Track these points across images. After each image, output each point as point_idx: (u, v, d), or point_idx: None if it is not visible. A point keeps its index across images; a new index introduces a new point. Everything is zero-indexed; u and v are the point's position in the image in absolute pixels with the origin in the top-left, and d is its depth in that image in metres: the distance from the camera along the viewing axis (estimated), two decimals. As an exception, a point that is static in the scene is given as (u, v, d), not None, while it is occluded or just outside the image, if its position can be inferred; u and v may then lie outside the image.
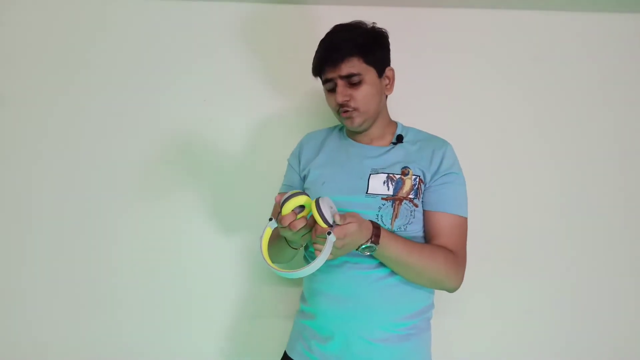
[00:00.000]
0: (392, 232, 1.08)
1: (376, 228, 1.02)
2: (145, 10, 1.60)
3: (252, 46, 1.61)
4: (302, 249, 1.20)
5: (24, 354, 1.54)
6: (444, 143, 1.21)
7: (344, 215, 0.95)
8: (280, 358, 1.24)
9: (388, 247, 1.03)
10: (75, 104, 1.59)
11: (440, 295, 1.54)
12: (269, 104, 1.60)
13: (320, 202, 0.93)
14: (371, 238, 1.00)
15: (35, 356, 1.55)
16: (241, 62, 1.60)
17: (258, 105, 1.60)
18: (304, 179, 1.23)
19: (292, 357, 1.19)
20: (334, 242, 0.92)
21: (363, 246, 1.00)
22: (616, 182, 1.61)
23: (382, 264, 1.10)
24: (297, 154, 1.29)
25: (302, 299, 1.24)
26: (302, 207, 0.98)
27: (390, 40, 1.22)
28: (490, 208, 1.59)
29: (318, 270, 0.94)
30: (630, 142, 1.62)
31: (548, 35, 1.64)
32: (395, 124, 1.27)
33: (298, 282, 1.48)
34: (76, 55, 1.60)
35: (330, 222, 0.92)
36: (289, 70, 1.58)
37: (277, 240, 1.13)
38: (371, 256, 1.07)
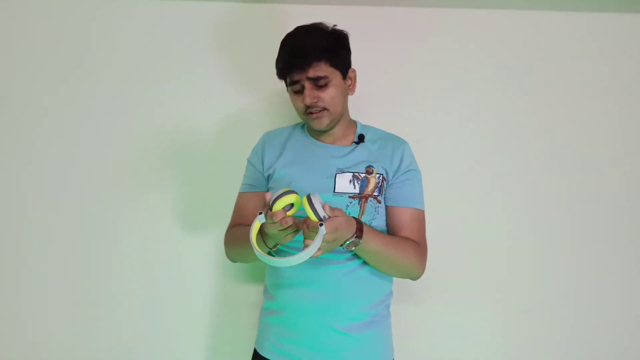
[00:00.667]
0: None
1: (359, 223, 1.05)
2: (135, 10, 1.60)
3: (237, 45, 1.61)
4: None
5: (22, 355, 1.56)
6: (401, 142, 1.25)
7: (332, 208, 0.98)
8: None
9: (370, 241, 1.06)
10: (71, 104, 1.59)
11: (440, 294, 1.55)
12: (260, 103, 1.60)
13: (312, 197, 0.98)
14: (356, 233, 1.03)
15: (33, 357, 1.56)
16: (234, 62, 1.61)
17: (250, 104, 1.60)
18: (268, 178, 1.24)
19: (262, 354, 1.20)
20: (324, 235, 0.94)
21: (348, 241, 1.03)
22: (617, 181, 1.58)
23: (353, 257, 1.14)
24: (260, 153, 1.27)
25: (267, 295, 1.25)
26: (291, 205, 1.01)
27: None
28: (491, 208, 1.58)
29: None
30: (632, 142, 1.59)
31: (548, 35, 1.62)
32: (355, 123, 1.29)
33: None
34: (72, 55, 1.60)
35: (321, 216, 0.96)
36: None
37: (245, 244, 1.08)
38: (352, 251, 1.09)
